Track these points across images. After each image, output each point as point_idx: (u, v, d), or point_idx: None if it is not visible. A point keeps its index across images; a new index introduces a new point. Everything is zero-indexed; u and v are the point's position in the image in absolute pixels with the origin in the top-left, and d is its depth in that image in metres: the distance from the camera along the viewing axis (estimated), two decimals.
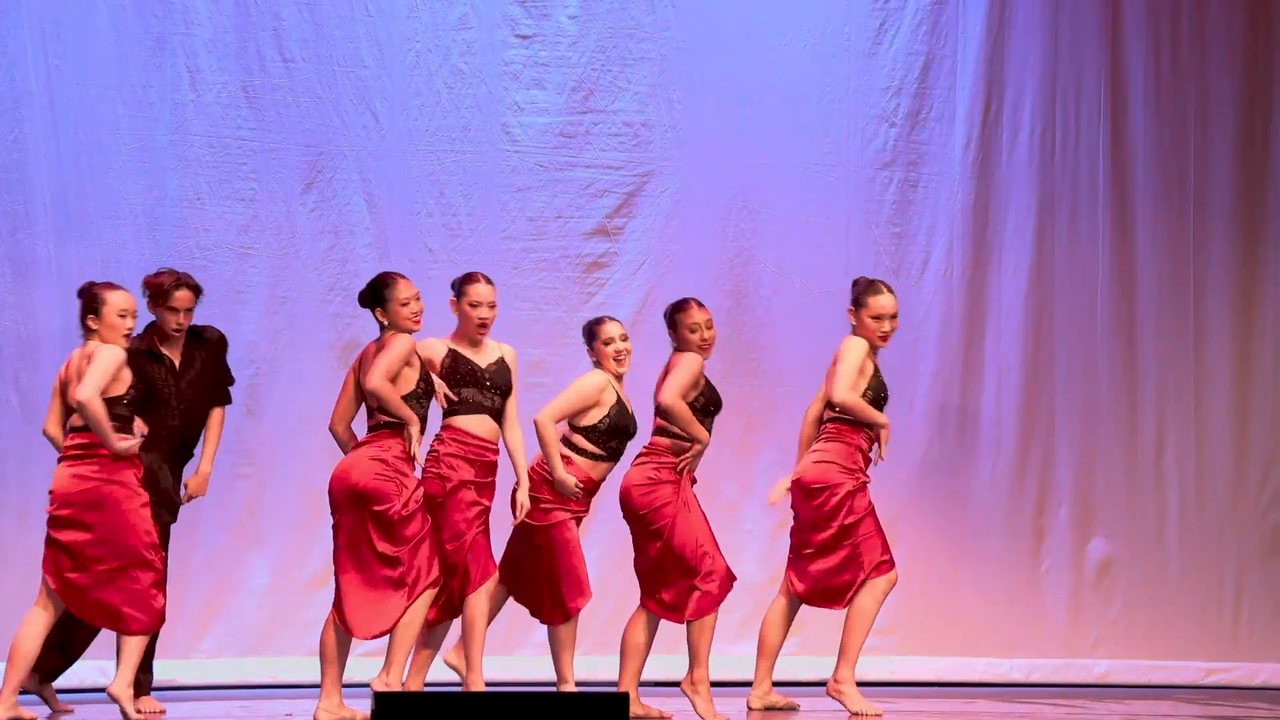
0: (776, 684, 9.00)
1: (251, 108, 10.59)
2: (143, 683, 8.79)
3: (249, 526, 10.40)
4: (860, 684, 9.49)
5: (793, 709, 8.95)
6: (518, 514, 8.52)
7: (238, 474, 10.33)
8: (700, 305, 9.01)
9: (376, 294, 8.53)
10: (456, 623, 8.59)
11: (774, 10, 11.20)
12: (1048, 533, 11.22)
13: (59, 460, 8.27)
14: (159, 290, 8.92)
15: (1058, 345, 11.36)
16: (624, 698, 6.73)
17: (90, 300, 8.23)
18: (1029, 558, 11.14)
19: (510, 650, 10.30)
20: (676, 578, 8.64)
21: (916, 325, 11.20)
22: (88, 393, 8.07)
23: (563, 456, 8.69)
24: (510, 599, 8.72)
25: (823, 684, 9.06)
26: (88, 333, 8.25)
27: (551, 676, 8.65)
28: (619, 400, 8.80)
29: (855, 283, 9.33)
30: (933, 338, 11.25)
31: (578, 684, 8.65)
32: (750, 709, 8.89)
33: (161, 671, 9.52)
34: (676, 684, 8.68)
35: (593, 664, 9.87)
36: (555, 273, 11.01)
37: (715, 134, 11.13)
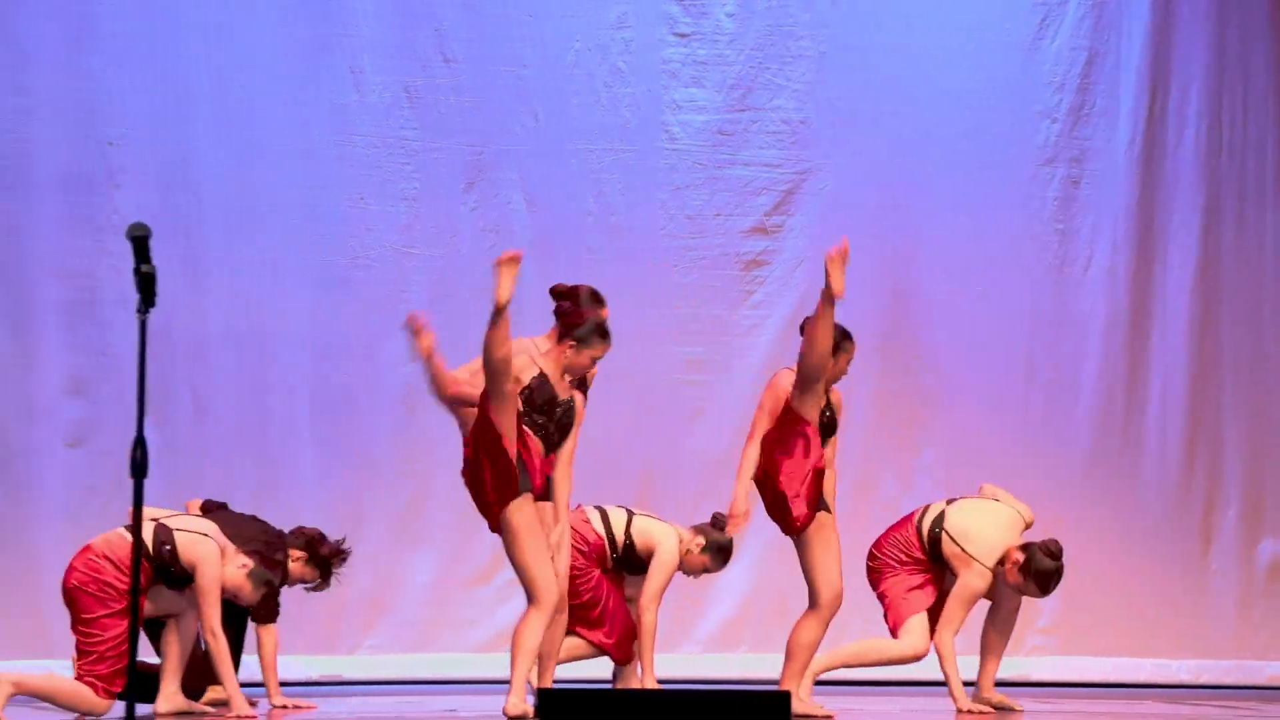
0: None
1: (413, 108, 10.67)
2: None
3: (411, 524, 10.48)
4: (1025, 684, 9.45)
5: None
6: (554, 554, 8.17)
7: (399, 472, 10.41)
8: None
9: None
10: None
11: (934, 6, 11.14)
12: (1216, 533, 11.07)
13: None
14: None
15: (1224, 343, 11.20)
16: (785, 696, 6.71)
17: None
18: (1197, 558, 11.00)
19: (672, 648, 10.31)
20: None
21: (1080, 323, 11.09)
22: None
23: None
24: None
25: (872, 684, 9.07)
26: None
27: (718, 674, 8.67)
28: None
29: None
30: (1097, 336, 11.14)
31: (741, 683, 8.65)
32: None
33: (328, 667, 9.62)
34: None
35: (755, 663, 9.86)
36: (714, 271, 11.00)
37: (874, 131, 11.08)
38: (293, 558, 8.40)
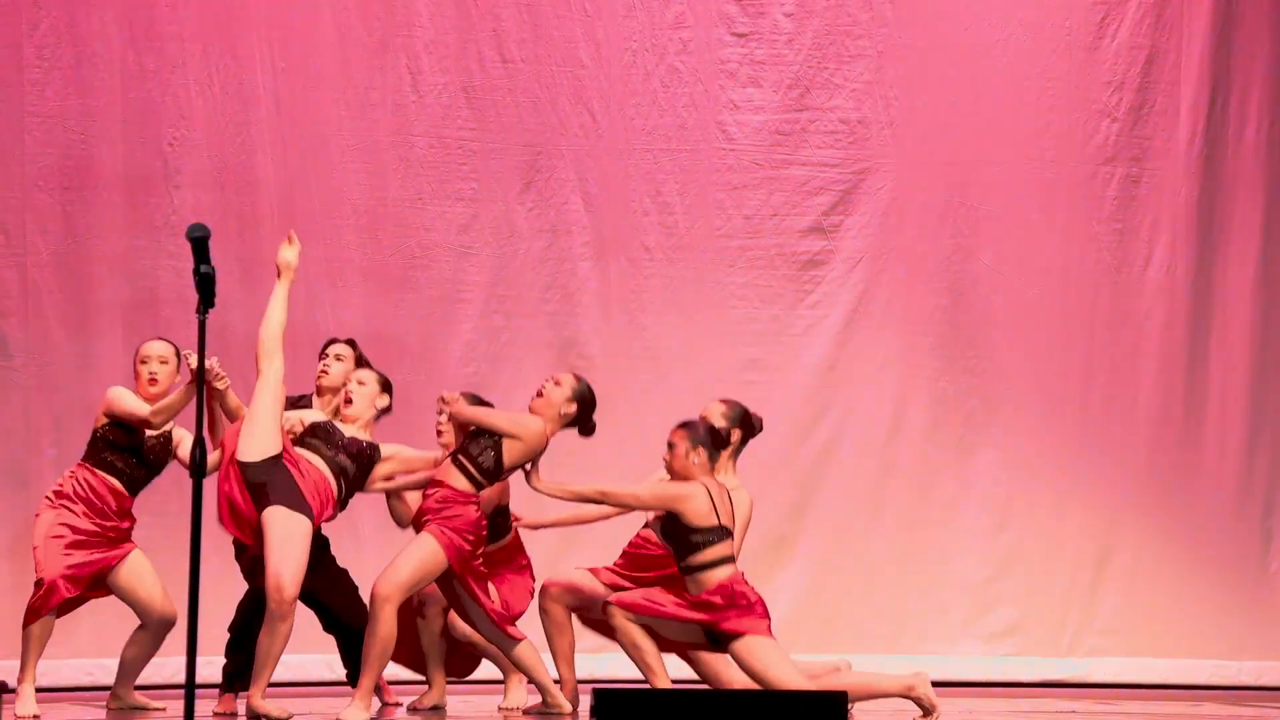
0: None
1: (471, 108, 10.69)
2: None
3: None
4: (1084, 685, 9.42)
5: None
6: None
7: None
8: None
9: None
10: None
11: (993, 4, 11.09)
12: (1276, 533, 11.00)
13: None
14: None
15: None
16: (842, 696, 6.70)
17: None
18: (1257, 559, 10.94)
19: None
20: None
21: (1139, 324, 11.04)
22: None
23: None
24: None
25: None
26: None
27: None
28: None
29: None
30: (1155, 336, 11.08)
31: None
32: None
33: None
34: None
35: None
36: (771, 271, 10.99)
37: (932, 130, 11.05)
38: None
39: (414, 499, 8.31)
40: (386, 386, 8.44)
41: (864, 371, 10.99)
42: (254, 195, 10.30)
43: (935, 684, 8.27)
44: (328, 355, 8.59)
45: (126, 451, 8.42)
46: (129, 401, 8.35)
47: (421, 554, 7.90)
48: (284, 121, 10.36)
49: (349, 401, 8.32)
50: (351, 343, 8.68)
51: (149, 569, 8.42)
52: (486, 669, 8.84)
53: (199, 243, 5.97)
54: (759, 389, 10.84)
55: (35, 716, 8.20)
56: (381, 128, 10.55)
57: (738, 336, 10.92)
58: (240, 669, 8.34)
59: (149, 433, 8.41)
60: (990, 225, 11.07)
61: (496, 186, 10.74)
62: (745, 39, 10.98)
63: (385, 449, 8.33)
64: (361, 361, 8.56)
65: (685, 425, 7.92)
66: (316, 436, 8.18)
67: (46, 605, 8.25)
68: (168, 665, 9.50)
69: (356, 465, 8.20)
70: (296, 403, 8.60)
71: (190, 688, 5.81)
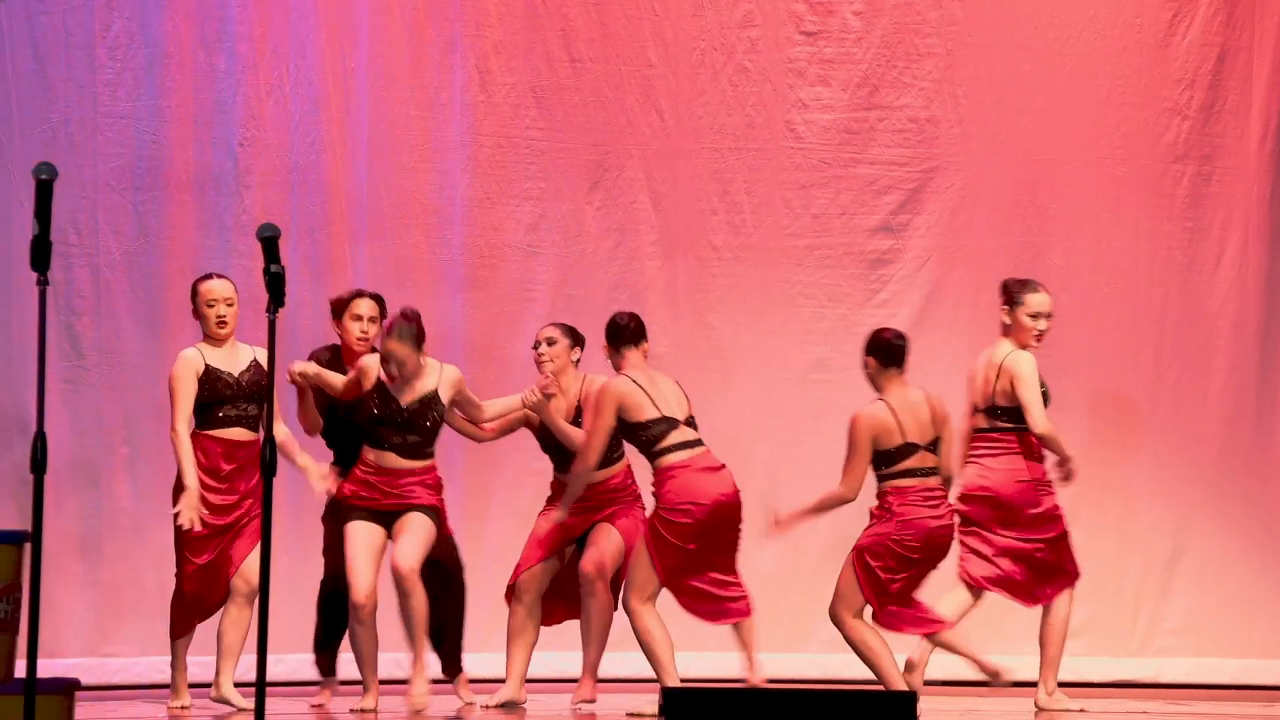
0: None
1: (540, 108, 10.71)
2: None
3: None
4: (1155, 685, 9.36)
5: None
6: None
7: (529, 470, 10.42)
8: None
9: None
10: None
11: (1063, 2, 11.05)
12: None
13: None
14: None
15: None
16: (911, 696, 6.69)
17: None
18: None
19: (795, 648, 10.30)
20: None
21: (1210, 322, 10.97)
22: None
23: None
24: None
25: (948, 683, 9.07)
26: None
27: (839, 673, 8.63)
28: None
29: (1005, 284, 9.09)
30: (1226, 335, 11.01)
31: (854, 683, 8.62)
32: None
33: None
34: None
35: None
36: (839, 270, 10.97)
37: (1001, 128, 11.01)
38: None
39: None
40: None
41: (932, 370, 10.92)
42: (324, 195, 10.35)
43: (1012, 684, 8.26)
44: (362, 317, 8.77)
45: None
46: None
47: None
48: (353, 122, 10.40)
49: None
50: (379, 298, 8.90)
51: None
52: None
53: (269, 242, 6.00)
54: (826, 388, 10.82)
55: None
56: (450, 127, 10.58)
57: (805, 335, 10.91)
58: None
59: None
60: (1059, 224, 11.02)
61: (564, 186, 10.75)
62: (814, 37, 10.96)
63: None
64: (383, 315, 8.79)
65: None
66: None
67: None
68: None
69: None
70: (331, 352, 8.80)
71: (261, 686, 5.84)
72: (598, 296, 10.72)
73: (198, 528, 8.32)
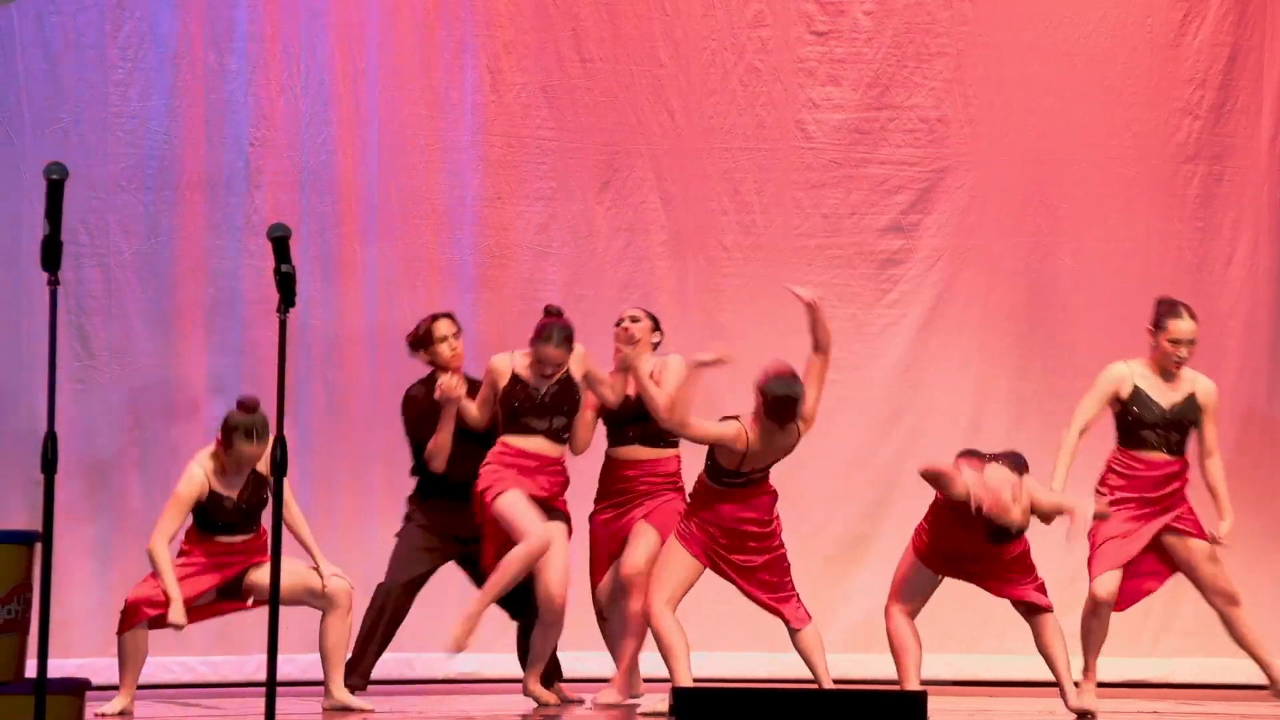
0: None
1: (550, 107, 10.71)
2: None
3: None
4: (1167, 686, 9.34)
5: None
6: None
7: None
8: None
9: None
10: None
11: (1073, 2, 11.04)
12: None
13: None
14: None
15: None
16: (922, 696, 6.69)
17: None
18: None
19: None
20: None
21: (1220, 322, 10.95)
22: None
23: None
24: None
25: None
26: None
27: (848, 672, 8.62)
28: None
29: (1158, 302, 9.13)
30: (1237, 335, 11.00)
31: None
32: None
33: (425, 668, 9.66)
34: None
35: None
36: (849, 269, 10.97)
37: (1012, 128, 11.01)
38: None
39: None
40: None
41: (942, 370, 10.95)
42: (334, 195, 10.35)
43: (1016, 684, 8.26)
44: (447, 337, 9.12)
45: None
46: None
47: None
48: (364, 122, 10.40)
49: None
50: (450, 315, 9.24)
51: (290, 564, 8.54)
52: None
53: (280, 242, 6.00)
54: (837, 388, 10.79)
55: None
56: (460, 127, 10.58)
57: None
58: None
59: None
60: (1070, 223, 11.01)
61: (575, 186, 10.75)
62: (824, 37, 10.96)
63: None
64: None
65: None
66: None
67: None
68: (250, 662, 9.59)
69: None
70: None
71: (271, 685, 5.84)
72: (608, 296, 10.72)
73: (186, 624, 8.33)
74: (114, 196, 10.00)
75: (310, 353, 10.16)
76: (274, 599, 6.03)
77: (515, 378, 8.77)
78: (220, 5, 10.15)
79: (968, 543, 8.21)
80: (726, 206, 10.90)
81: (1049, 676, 8.44)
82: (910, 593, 8.35)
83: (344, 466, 10.25)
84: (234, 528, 8.42)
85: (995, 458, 8.24)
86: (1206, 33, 11.02)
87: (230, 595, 8.50)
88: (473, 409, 8.84)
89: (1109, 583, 8.74)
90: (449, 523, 9.08)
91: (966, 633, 10.09)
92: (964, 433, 10.86)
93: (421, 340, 9.12)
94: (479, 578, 8.89)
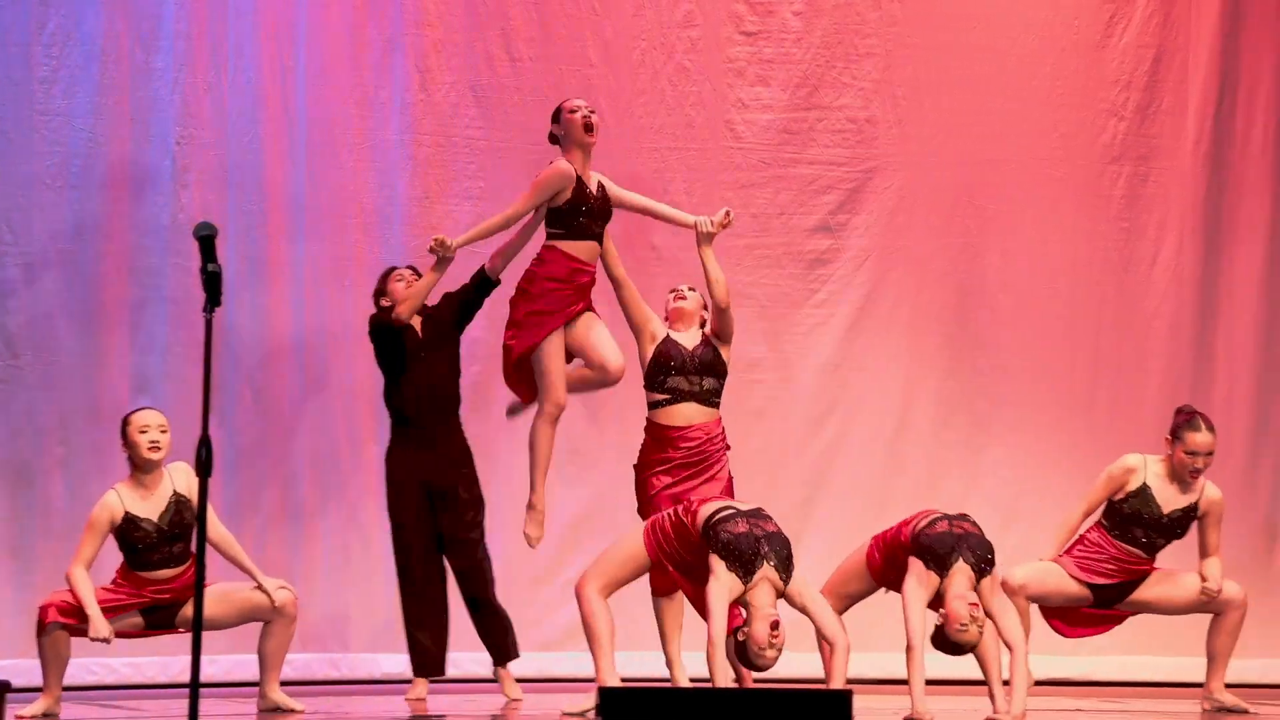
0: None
1: (480, 106, 10.70)
2: None
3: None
4: (1086, 684, 9.40)
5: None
6: None
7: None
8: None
9: None
10: None
11: (1001, 4, 11.10)
12: None
13: None
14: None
15: None
16: (846, 695, 6.70)
17: None
18: (1262, 557, 10.95)
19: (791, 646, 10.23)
20: None
21: (1146, 322, 11.05)
22: None
23: None
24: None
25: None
26: None
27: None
28: None
29: (1178, 411, 9.19)
30: (1162, 336, 11.08)
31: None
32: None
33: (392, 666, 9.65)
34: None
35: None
36: (778, 269, 11.00)
37: (940, 129, 11.06)
38: None
39: None
40: None
41: (871, 370, 10.99)
42: (262, 194, 10.30)
43: (941, 682, 8.29)
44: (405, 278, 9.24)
45: None
46: None
47: None
48: (291, 120, 10.36)
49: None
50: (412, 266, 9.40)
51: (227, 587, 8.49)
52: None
53: (206, 241, 5.98)
54: (765, 388, 10.86)
55: None
56: (389, 126, 10.56)
57: (744, 335, 10.87)
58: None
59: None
60: (998, 224, 11.07)
61: (504, 185, 10.72)
62: (754, 37, 10.98)
63: None
64: None
65: None
66: None
67: None
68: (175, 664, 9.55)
69: None
70: None
71: (195, 686, 5.82)
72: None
73: (112, 637, 8.29)
74: (39, 194, 9.93)
75: (236, 352, 10.12)
76: (198, 600, 6.01)
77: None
78: (147, 3, 10.10)
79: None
80: None
81: (1042, 675, 8.48)
82: (845, 594, 8.34)
83: (271, 466, 10.21)
84: (160, 561, 8.35)
85: (960, 542, 8.02)
86: (1132, 35, 11.10)
87: (161, 626, 8.47)
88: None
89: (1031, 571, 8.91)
90: (420, 466, 9.16)
91: (897, 631, 10.13)
92: (892, 432, 10.92)
93: (380, 292, 9.31)
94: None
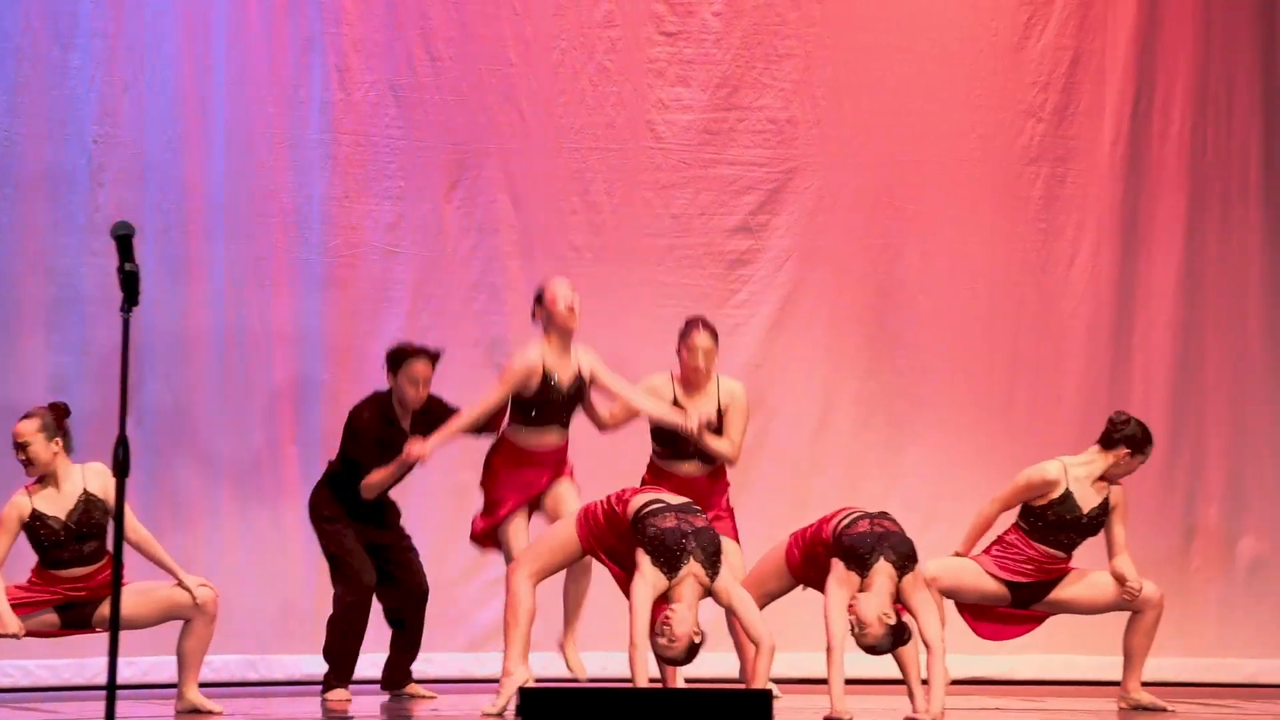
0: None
1: (399, 106, 10.66)
2: None
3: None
4: (1007, 682, 9.46)
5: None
6: None
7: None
8: None
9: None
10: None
11: (921, 5, 11.15)
12: (1198, 531, 11.10)
13: None
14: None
15: (1207, 342, 11.22)
16: (766, 695, 6.71)
17: None
18: (1178, 556, 11.03)
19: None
20: None
21: (1064, 323, 11.11)
22: None
23: None
24: None
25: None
26: None
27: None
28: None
29: (1122, 423, 9.14)
30: (1080, 335, 11.15)
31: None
32: None
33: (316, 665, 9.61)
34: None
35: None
36: (698, 269, 11.01)
37: (860, 129, 11.09)
38: None
39: None
40: None
41: (791, 371, 11.02)
42: (179, 193, 10.24)
43: (858, 681, 8.30)
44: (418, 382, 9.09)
45: None
46: None
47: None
48: (210, 119, 10.30)
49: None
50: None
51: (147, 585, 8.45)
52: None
53: (123, 240, 5.94)
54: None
55: None
56: (308, 125, 10.51)
57: (665, 335, 10.88)
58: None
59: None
60: (917, 225, 11.11)
61: (424, 185, 10.71)
62: (674, 38, 10.99)
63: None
64: None
65: None
66: None
67: None
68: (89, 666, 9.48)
69: None
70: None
71: (111, 688, 5.78)
72: (457, 296, 10.70)
73: (23, 634, 8.23)
74: None
75: (154, 353, 10.05)
76: (115, 600, 5.97)
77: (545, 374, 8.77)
78: (63, 0, 10.02)
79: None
80: (576, 206, 10.90)
81: (962, 674, 8.52)
82: (763, 592, 8.35)
83: (188, 467, 10.15)
84: (71, 559, 8.29)
85: (881, 541, 7.99)
86: (1050, 36, 11.16)
87: (77, 625, 8.41)
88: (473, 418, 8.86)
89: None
90: (366, 531, 9.20)
91: (815, 631, 10.15)
92: (811, 432, 10.94)
93: (396, 364, 9.12)
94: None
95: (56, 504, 8.29)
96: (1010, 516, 9.21)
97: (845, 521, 7.99)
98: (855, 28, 11.10)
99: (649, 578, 7.59)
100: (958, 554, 9.12)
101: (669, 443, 8.91)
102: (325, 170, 10.54)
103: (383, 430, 9.02)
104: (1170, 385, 11.15)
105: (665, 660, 7.76)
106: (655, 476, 8.96)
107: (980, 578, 9.06)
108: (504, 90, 10.80)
